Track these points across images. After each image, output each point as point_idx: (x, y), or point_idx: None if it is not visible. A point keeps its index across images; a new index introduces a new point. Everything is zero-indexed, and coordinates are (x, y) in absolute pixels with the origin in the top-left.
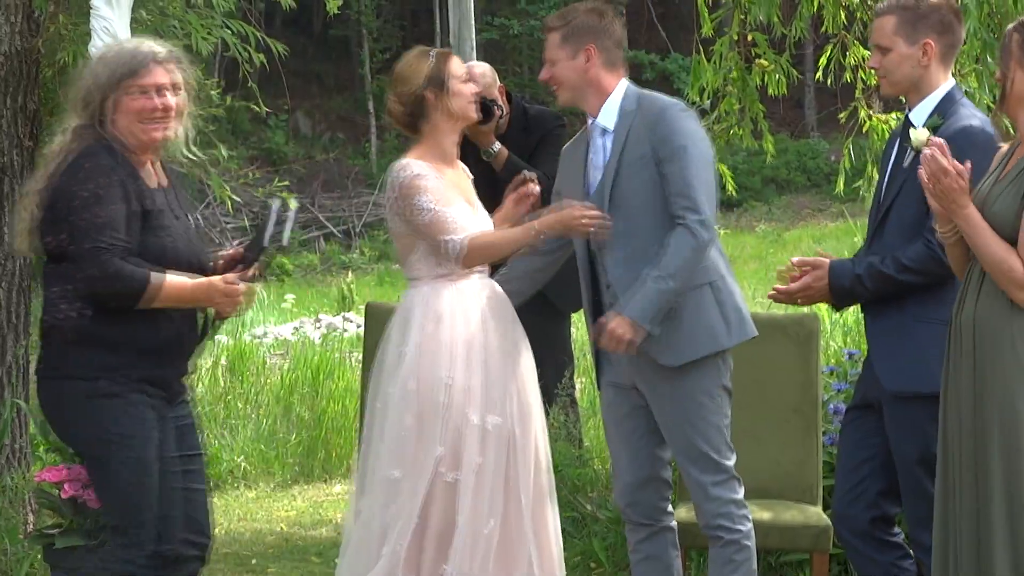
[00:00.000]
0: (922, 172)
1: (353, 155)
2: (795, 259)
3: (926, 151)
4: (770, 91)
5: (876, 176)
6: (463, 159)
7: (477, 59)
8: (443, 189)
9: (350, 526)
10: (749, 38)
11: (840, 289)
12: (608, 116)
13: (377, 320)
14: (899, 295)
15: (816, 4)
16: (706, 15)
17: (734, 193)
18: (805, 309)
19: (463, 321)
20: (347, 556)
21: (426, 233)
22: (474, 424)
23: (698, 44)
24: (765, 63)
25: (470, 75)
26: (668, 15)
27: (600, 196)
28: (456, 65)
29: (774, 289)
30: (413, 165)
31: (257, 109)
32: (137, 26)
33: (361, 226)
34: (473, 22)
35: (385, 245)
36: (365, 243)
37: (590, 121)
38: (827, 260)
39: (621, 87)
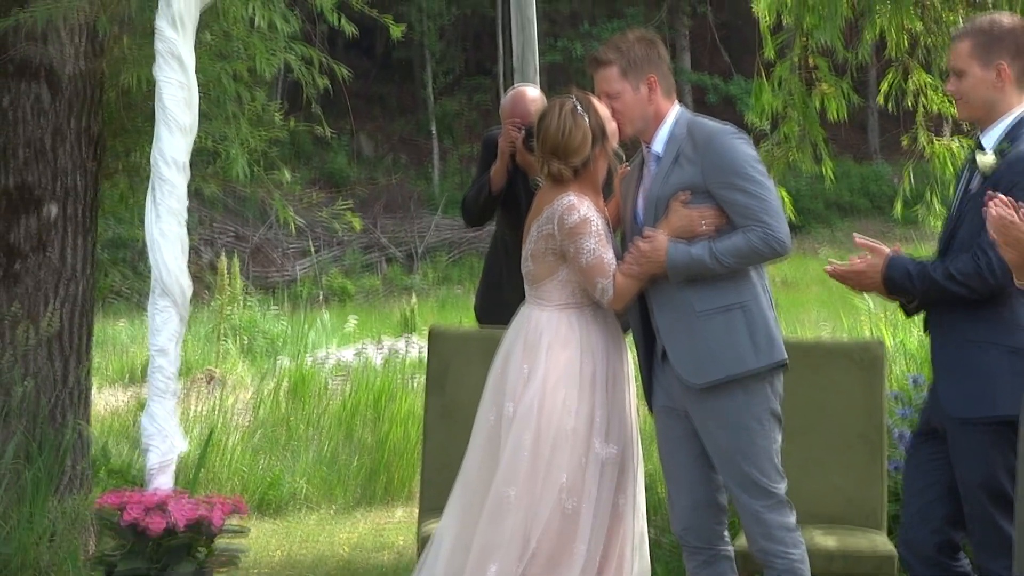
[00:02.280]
0: (990, 227)
1: (415, 177)
2: (858, 238)
3: (989, 210)
4: (830, 115)
5: (935, 201)
6: (511, 187)
7: (540, 81)
8: (604, 229)
9: (434, 542)
10: (811, 62)
11: (892, 281)
12: (660, 142)
13: (440, 343)
14: (950, 306)
15: (879, 29)
16: (768, 38)
17: (794, 217)
18: (869, 334)
19: (589, 350)
20: (435, 571)
21: (585, 273)
22: (597, 453)
23: (759, 67)
24: (825, 87)
25: (598, 98)
26: (732, 38)
27: (646, 224)
28: (601, 107)
29: (830, 262)
30: (581, 207)
31: (321, 131)
32: (202, 48)
33: (423, 249)
34: (536, 45)
35: (447, 268)
36: (427, 266)
37: (645, 148)
38: (888, 250)
39: (674, 112)
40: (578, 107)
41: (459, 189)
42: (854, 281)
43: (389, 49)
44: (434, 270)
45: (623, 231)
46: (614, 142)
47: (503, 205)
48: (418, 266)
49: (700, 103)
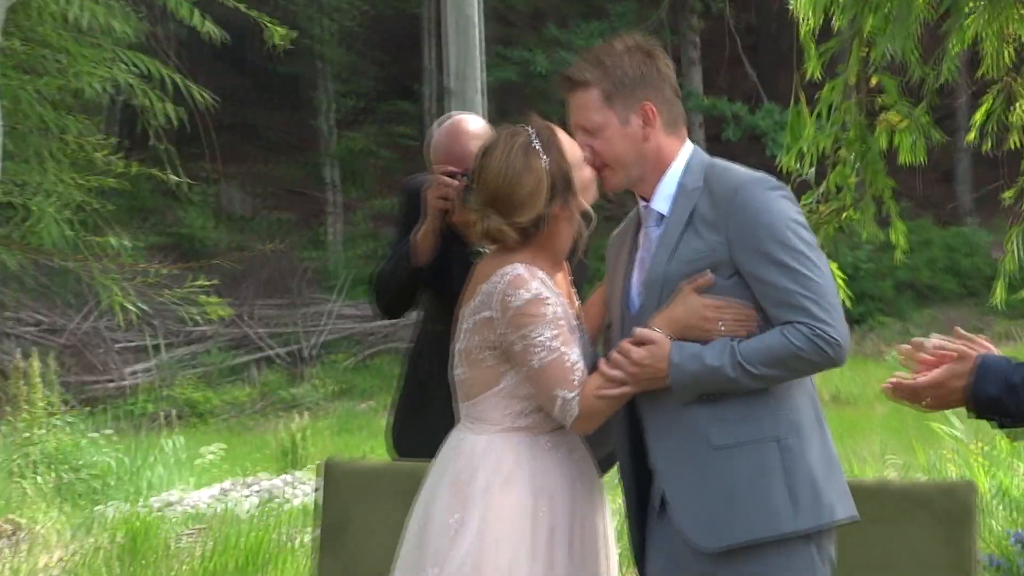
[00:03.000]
0: None
1: (306, 244)
2: (934, 340)
3: None
4: (902, 158)
5: None
6: (444, 259)
7: (486, 105)
8: (566, 315)
9: None
10: (873, 82)
11: (983, 397)
12: (663, 198)
13: (338, 483)
14: None
15: (970, 36)
16: (811, 49)
17: (851, 306)
18: (955, 475)
19: (545, 491)
20: None
21: (537, 379)
22: None
23: (798, 89)
24: (895, 118)
25: (572, 143)
26: (761, 48)
27: (644, 315)
28: (570, 146)
29: (894, 378)
30: (531, 281)
31: (173, 178)
32: (5, 59)
33: (316, 347)
34: (481, 56)
35: (350, 376)
36: (321, 372)
37: (642, 205)
38: (975, 352)
39: (683, 155)
40: (535, 142)
41: (368, 261)
42: (931, 397)
43: (270, 61)
44: (331, 378)
45: (609, 323)
46: (587, 196)
47: (432, 285)
48: (308, 372)
49: (714, 140)
